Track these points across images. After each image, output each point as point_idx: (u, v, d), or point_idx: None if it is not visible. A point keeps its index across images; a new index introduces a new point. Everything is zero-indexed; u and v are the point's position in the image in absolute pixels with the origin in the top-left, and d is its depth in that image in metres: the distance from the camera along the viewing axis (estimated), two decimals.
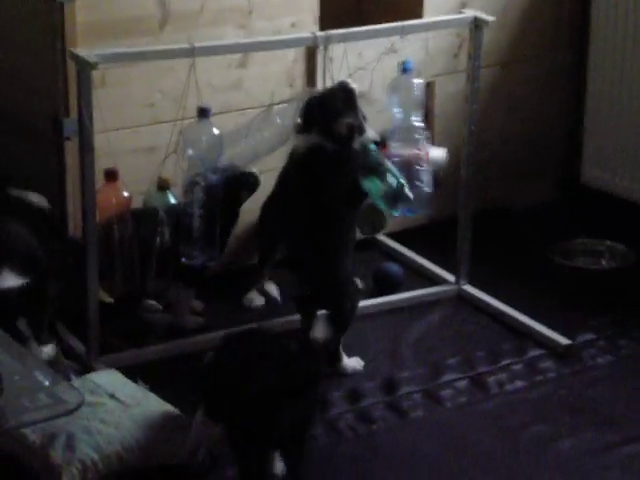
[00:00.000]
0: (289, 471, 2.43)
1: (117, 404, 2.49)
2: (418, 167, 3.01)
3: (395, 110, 3.09)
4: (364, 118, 2.93)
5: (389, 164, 2.92)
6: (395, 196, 2.89)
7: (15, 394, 1.84)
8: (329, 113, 2.86)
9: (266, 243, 3.14)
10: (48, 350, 2.70)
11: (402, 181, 2.90)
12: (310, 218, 2.86)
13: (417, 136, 3.04)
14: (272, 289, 3.17)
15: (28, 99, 3.07)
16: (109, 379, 2.60)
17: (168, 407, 2.56)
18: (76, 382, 2.54)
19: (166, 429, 2.49)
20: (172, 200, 2.90)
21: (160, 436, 2.46)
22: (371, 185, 2.89)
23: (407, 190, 2.90)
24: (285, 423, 2.35)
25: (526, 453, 2.62)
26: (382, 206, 2.93)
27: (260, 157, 3.04)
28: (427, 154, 3.05)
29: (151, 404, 2.54)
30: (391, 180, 2.89)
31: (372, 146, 2.92)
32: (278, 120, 3.02)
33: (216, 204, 2.89)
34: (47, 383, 1.90)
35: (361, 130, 2.87)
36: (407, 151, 3.04)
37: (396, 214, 2.99)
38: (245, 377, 2.35)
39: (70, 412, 1.89)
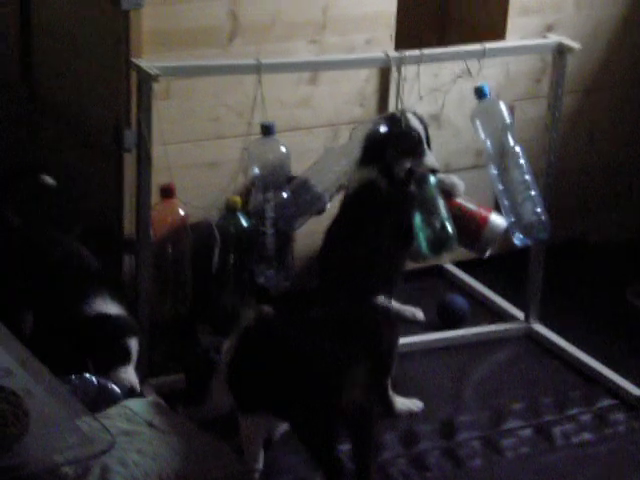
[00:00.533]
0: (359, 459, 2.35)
1: (155, 433, 2.38)
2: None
3: (483, 138, 2.93)
4: (428, 144, 2.80)
5: (441, 202, 2.79)
6: (438, 241, 2.78)
7: (43, 432, 1.73)
8: (391, 153, 2.75)
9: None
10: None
11: (448, 225, 2.79)
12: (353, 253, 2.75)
13: (520, 161, 2.88)
14: None
15: (90, 106, 2.98)
16: (147, 406, 2.50)
17: (207, 435, 2.45)
18: (113, 409, 2.44)
19: (206, 458, 2.38)
20: (244, 222, 2.78)
21: (199, 465, 2.36)
22: (416, 222, 2.78)
23: (450, 233, 2.79)
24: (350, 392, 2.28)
25: None
26: (424, 249, 2.79)
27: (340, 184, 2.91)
28: (487, 217, 2.90)
29: (190, 432, 2.44)
30: (436, 221, 2.77)
31: (431, 178, 2.79)
32: (343, 157, 2.89)
33: (289, 222, 2.78)
34: (78, 421, 1.78)
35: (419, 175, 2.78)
36: (468, 202, 2.91)
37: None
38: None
39: (97, 456, 1.77)
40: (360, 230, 2.76)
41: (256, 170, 2.73)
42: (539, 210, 2.88)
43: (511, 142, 2.91)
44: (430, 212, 2.80)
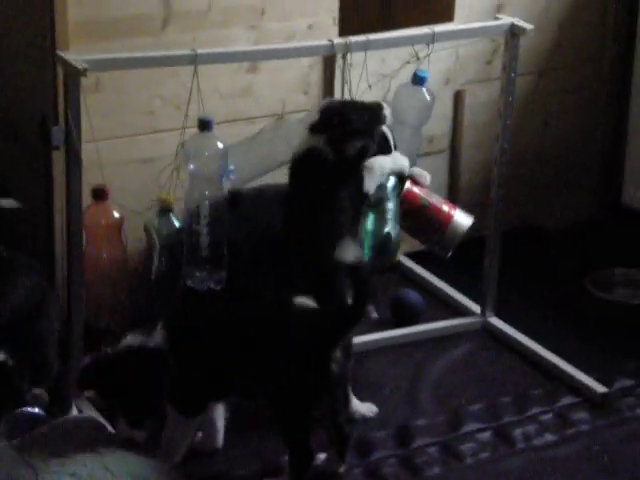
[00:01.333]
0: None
1: (90, 454, 2.23)
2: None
3: (395, 121, 2.78)
4: (394, 146, 2.68)
5: (391, 207, 2.67)
6: (380, 246, 2.66)
7: None
8: (348, 128, 2.58)
9: None
10: None
11: (392, 232, 2.67)
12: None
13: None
14: None
15: (16, 101, 2.82)
16: (81, 423, 2.35)
17: (143, 455, 2.30)
18: (45, 428, 2.26)
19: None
20: (176, 223, 2.62)
21: None
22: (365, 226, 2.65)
23: (392, 243, 2.68)
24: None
25: None
26: (365, 247, 2.66)
27: (269, 171, 2.76)
28: (451, 216, 2.78)
29: (129, 454, 2.28)
30: (384, 226, 2.65)
31: (389, 180, 2.67)
32: (291, 131, 2.74)
33: (223, 223, 2.62)
34: None
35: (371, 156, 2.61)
36: (434, 200, 2.78)
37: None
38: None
39: None
40: (301, 201, 2.59)
41: (191, 167, 2.58)
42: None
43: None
44: (378, 211, 2.66)
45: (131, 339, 2.36)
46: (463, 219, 2.81)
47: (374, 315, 2.96)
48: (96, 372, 2.36)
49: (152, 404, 2.34)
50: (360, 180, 2.62)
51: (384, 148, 2.67)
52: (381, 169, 2.66)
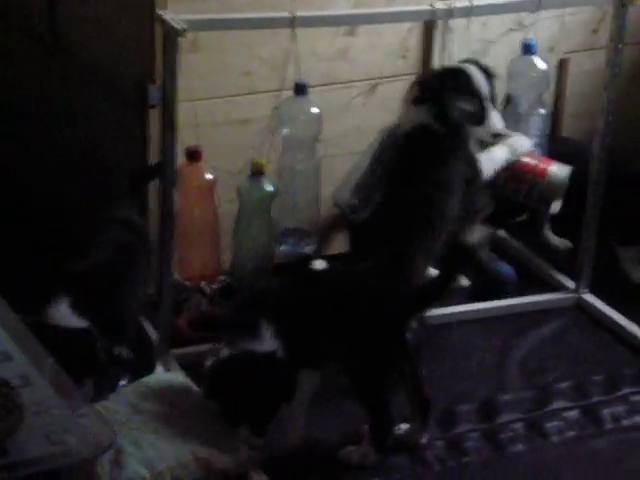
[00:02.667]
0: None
1: (173, 411, 2.25)
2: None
3: (513, 95, 2.81)
4: (493, 100, 2.63)
5: None
6: None
7: (38, 427, 1.60)
8: (450, 95, 2.56)
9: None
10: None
11: None
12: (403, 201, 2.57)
13: (537, 130, 2.77)
14: None
15: (116, 60, 2.83)
16: (166, 382, 2.36)
17: (221, 420, 2.30)
18: (129, 387, 2.31)
19: (227, 440, 2.25)
20: (269, 187, 2.61)
21: (219, 448, 2.23)
22: None
23: None
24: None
25: None
26: None
27: None
28: (547, 168, 2.73)
29: (208, 414, 2.29)
30: None
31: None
32: None
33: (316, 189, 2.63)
34: (79, 413, 1.64)
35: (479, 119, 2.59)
36: (529, 159, 2.73)
37: None
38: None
39: (96, 457, 1.64)
40: (417, 181, 2.57)
41: (285, 131, 2.56)
42: None
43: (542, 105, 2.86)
44: None
45: (243, 343, 2.28)
46: (561, 169, 2.77)
47: (465, 283, 2.92)
48: (224, 375, 2.28)
49: (274, 409, 2.29)
50: (472, 158, 2.61)
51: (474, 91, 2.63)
52: (500, 157, 2.65)
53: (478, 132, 2.65)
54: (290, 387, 2.28)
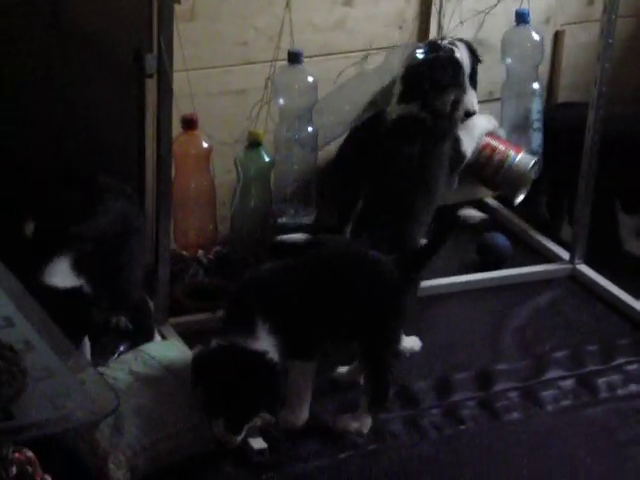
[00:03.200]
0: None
1: (172, 379, 2.25)
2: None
3: (508, 66, 2.83)
4: (473, 78, 2.69)
5: None
6: None
7: (41, 391, 1.60)
8: (436, 89, 2.60)
9: (346, 203, 2.81)
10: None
11: None
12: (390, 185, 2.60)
13: (532, 103, 2.80)
14: None
15: (113, 28, 2.81)
16: (166, 350, 2.37)
17: None
18: (129, 354, 2.32)
19: None
20: (266, 158, 2.61)
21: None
22: None
23: None
24: None
25: (634, 473, 2.30)
26: None
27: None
28: (514, 152, 2.78)
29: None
30: None
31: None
32: (376, 80, 2.71)
33: (313, 159, 2.61)
34: (81, 377, 1.65)
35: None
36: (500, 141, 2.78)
37: None
38: None
39: (99, 420, 1.64)
40: (406, 166, 2.60)
41: (281, 100, 2.56)
42: (540, 146, 2.88)
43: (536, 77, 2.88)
44: None
45: (235, 337, 2.22)
46: (527, 157, 2.79)
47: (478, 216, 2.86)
48: (207, 366, 2.22)
49: (253, 410, 2.23)
50: (457, 140, 2.66)
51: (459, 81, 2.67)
52: (480, 131, 2.66)
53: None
54: (274, 392, 2.22)
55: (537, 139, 2.90)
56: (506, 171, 2.79)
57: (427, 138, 2.61)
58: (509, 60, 2.87)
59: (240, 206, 2.64)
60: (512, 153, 2.80)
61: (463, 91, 2.67)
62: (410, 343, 2.61)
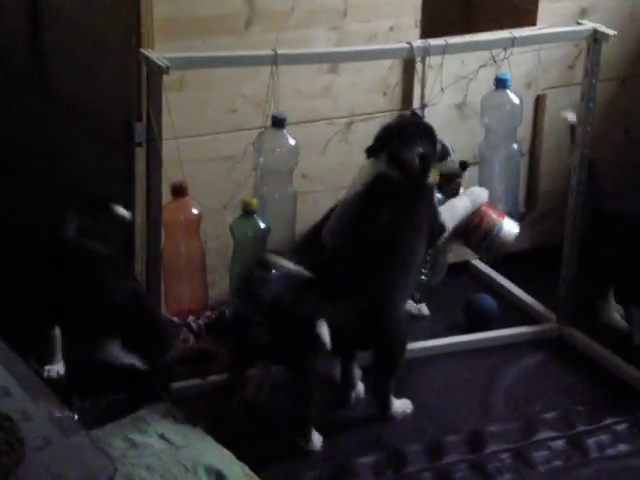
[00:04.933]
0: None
1: (166, 446, 2.24)
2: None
3: (486, 128, 2.88)
4: (450, 150, 2.69)
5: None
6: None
7: (41, 462, 1.60)
8: (401, 140, 2.60)
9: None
10: None
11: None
12: (369, 248, 2.58)
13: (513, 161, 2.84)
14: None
15: (101, 98, 2.85)
16: (161, 416, 2.35)
17: (223, 450, 2.31)
18: (128, 418, 2.31)
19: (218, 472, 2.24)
20: (260, 224, 2.64)
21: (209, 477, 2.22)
22: None
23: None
24: None
25: None
26: None
27: None
28: (501, 221, 2.80)
29: (204, 446, 2.29)
30: None
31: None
32: None
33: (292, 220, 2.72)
34: (80, 449, 1.65)
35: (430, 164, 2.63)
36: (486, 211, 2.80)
37: None
38: None
39: None
40: (376, 229, 2.58)
41: (262, 160, 2.61)
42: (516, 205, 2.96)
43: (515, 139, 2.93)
44: None
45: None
46: (512, 225, 2.82)
47: (426, 312, 2.96)
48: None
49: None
50: (434, 210, 2.65)
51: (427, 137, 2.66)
52: (463, 210, 2.71)
53: (445, 166, 2.72)
54: None
55: (519, 200, 2.96)
56: (491, 240, 2.80)
57: (398, 198, 2.58)
58: (486, 120, 2.90)
59: (237, 270, 2.66)
60: (498, 222, 2.81)
61: (433, 148, 2.64)
62: (402, 406, 2.62)
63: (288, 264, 2.49)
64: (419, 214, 2.61)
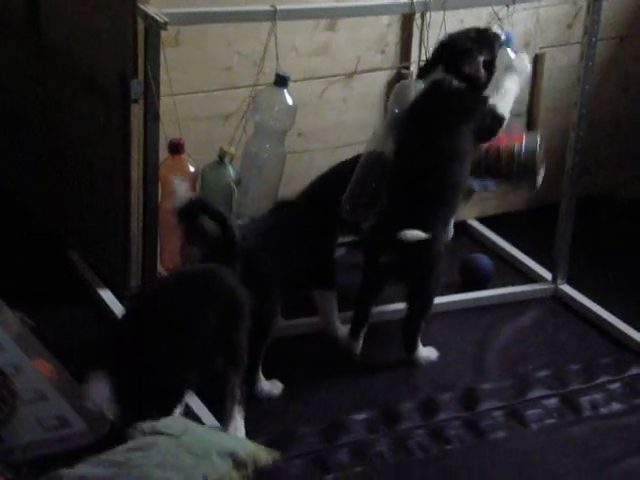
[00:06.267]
0: None
1: (167, 439, 2.08)
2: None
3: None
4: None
5: None
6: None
7: (33, 414, 1.61)
8: (460, 49, 2.57)
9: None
10: None
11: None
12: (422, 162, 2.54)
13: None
14: None
15: (97, 54, 2.83)
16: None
17: (220, 430, 2.30)
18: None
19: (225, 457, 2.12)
20: (232, 174, 2.62)
21: (223, 468, 2.09)
22: None
23: None
24: None
25: None
26: None
27: None
28: (520, 138, 2.76)
29: (204, 431, 2.20)
30: None
31: None
32: None
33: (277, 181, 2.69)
34: (72, 401, 1.65)
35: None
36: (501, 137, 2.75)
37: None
38: None
39: (92, 441, 1.64)
40: (434, 133, 2.55)
41: (258, 117, 2.60)
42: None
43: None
44: None
45: None
46: (533, 136, 2.80)
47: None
48: None
49: None
50: (490, 109, 2.56)
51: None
52: (514, 93, 2.61)
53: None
54: None
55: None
56: (520, 161, 2.76)
57: (456, 110, 2.53)
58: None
59: None
60: (516, 143, 2.78)
61: (494, 55, 2.59)
62: (427, 352, 2.65)
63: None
64: (472, 123, 2.56)
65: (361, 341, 2.65)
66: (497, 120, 2.60)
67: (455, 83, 2.55)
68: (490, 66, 2.58)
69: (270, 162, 2.65)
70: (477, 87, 2.58)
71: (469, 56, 2.57)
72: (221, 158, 2.62)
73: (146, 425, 2.07)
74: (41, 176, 3.15)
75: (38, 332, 1.97)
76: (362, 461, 2.35)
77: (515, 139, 2.80)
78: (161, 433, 2.09)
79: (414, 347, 2.64)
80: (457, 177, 2.56)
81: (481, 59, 2.56)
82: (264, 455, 2.15)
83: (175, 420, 2.20)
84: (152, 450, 2.03)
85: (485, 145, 2.74)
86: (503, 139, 2.78)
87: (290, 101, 2.63)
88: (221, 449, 2.11)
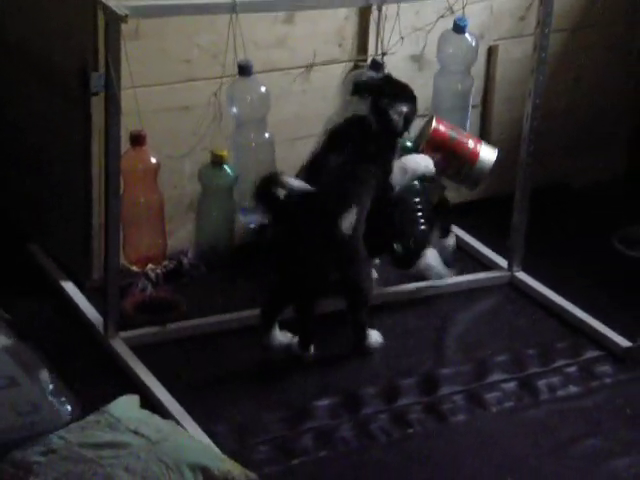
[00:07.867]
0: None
1: (142, 442, 2.11)
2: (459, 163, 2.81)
3: (441, 69, 2.90)
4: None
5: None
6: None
7: (3, 401, 1.62)
8: (389, 96, 2.66)
9: None
10: None
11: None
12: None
13: (463, 104, 2.86)
14: None
15: (56, 47, 2.84)
16: (129, 409, 2.24)
17: (201, 442, 2.27)
18: (91, 416, 2.17)
19: (199, 464, 2.14)
20: (231, 173, 2.66)
21: (195, 475, 2.12)
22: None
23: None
24: None
25: (575, 471, 2.38)
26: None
27: None
28: (477, 151, 2.83)
29: (182, 440, 2.20)
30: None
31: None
32: None
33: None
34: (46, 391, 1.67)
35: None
36: (458, 134, 2.81)
37: None
38: None
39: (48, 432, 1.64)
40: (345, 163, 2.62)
41: (234, 110, 2.62)
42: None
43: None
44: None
45: None
46: (490, 152, 2.86)
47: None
48: None
49: None
50: (388, 165, 2.67)
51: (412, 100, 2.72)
52: (413, 170, 2.72)
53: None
54: None
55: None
56: (468, 173, 2.83)
57: (368, 144, 2.63)
58: (443, 57, 2.92)
59: (205, 218, 2.69)
60: (470, 157, 2.83)
61: (414, 111, 2.70)
62: (375, 336, 2.69)
63: (297, 183, 2.54)
64: (378, 165, 2.66)
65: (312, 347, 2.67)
66: (387, 186, 2.69)
67: (374, 126, 2.64)
68: (408, 121, 2.69)
69: (260, 149, 2.68)
70: (391, 135, 2.67)
71: (394, 105, 2.66)
72: (215, 163, 2.64)
73: (128, 420, 2.06)
74: (1, 169, 3.15)
75: (13, 324, 1.98)
76: (326, 446, 2.39)
77: (471, 152, 2.84)
78: (139, 434, 2.10)
79: (362, 338, 2.67)
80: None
81: (403, 110, 2.66)
82: (240, 474, 2.16)
83: (161, 423, 2.21)
84: (124, 450, 2.04)
85: (436, 132, 2.80)
86: (459, 140, 2.83)
87: (261, 87, 2.66)
88: (194, 463, 2.12)
